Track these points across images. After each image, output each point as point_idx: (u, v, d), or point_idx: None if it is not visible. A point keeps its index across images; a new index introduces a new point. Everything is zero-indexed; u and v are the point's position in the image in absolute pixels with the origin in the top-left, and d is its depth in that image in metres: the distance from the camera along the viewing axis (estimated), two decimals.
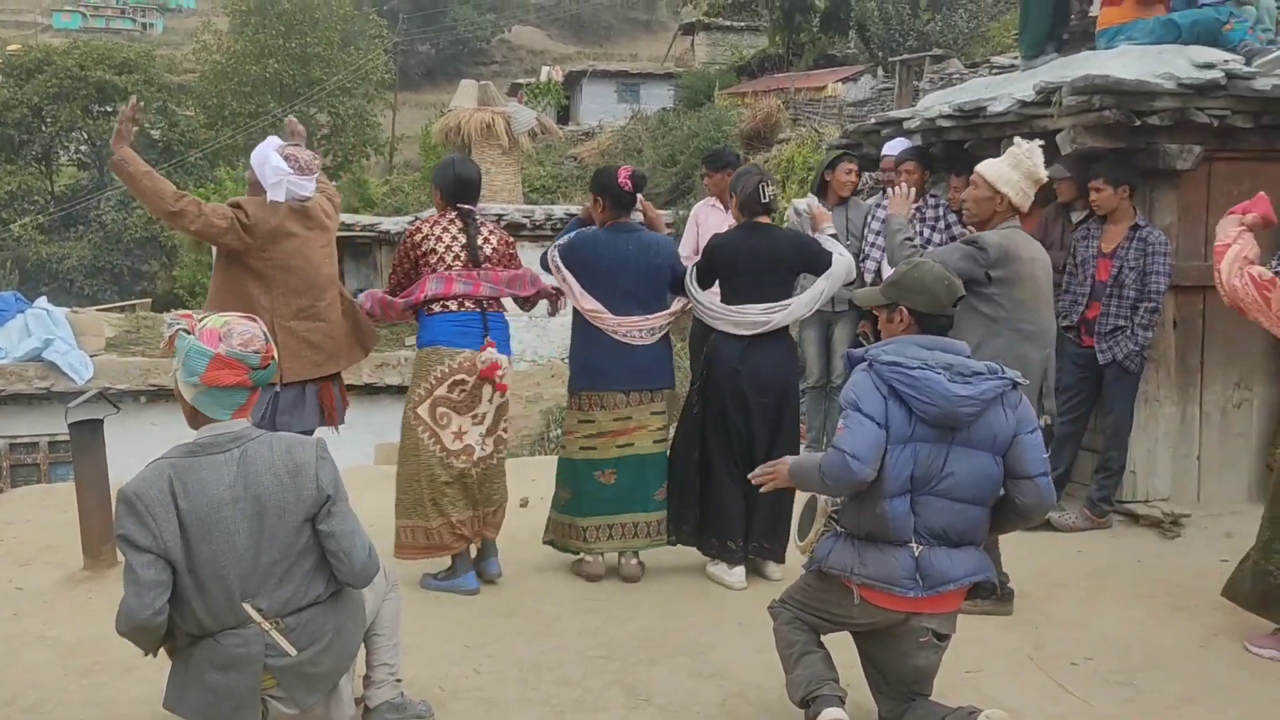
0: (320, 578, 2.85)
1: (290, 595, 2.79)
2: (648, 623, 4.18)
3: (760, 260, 4.64)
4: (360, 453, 12.24)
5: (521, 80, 36.32)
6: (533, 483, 6.11)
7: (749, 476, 3.42)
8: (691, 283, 4.75)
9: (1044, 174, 4.31)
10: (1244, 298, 3.82)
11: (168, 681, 2.85)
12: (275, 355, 2.87)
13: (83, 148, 34.85)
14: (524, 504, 5.76)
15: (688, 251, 6.91)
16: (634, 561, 4.71)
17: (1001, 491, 3.11)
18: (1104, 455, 5.32)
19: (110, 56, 33.83)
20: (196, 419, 2.80)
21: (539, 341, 15.06)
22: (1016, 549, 4.64)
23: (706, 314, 4.76)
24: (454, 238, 4.46)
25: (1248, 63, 5.23)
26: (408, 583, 4.38)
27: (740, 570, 4.64)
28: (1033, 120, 5.53)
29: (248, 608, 2.73)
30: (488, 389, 4.43)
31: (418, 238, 4.47)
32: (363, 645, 3.15)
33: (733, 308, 4.66)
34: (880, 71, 19.45)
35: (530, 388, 15.03)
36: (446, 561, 4.54)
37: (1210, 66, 5.15)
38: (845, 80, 22.04)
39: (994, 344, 4.13)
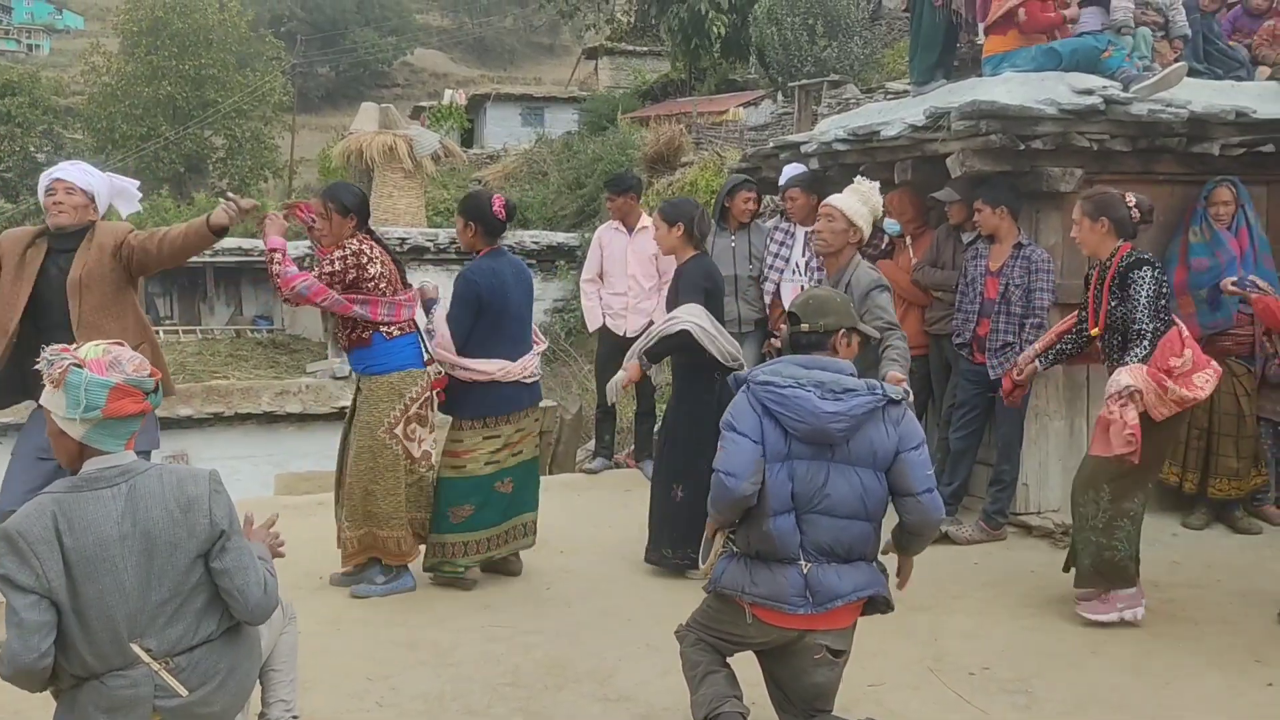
0: (213, 615, 2.75)
1: (181, 634, 2.68)
2: (553, 649, 4.15)
3: (722, 285, 5.10)
4: (259, 484, 11.94)
5: (424, 103, 36.07)
6: None
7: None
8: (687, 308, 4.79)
9: (881, 211, 4.71)
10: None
11: None
12: (159, 375, 2.79)
13: None
14: None
15: (591, 274, 6.94)
16: (514, 557, 4.99)
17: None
18: (996, 469, 5.47)
19: None
20: (83, 455, 2.67)
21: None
22: (916, 562, 4.73)
23: (702, 336, 4.73)
24: (383, 261, 4.56)
25: (1125, 89, 5.46)
26: (306, 614, 4.27)
27: None
28: (924, 144, 5.69)
29: (136, 648, 2.61)
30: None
31: (363, 260, 4.48)
32: (258, 682, 3.06)
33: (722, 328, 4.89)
34: (780, 96, 19.77)
35: None
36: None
37: (1089, 92, 5.36)
38: (746, 105, 22.36)
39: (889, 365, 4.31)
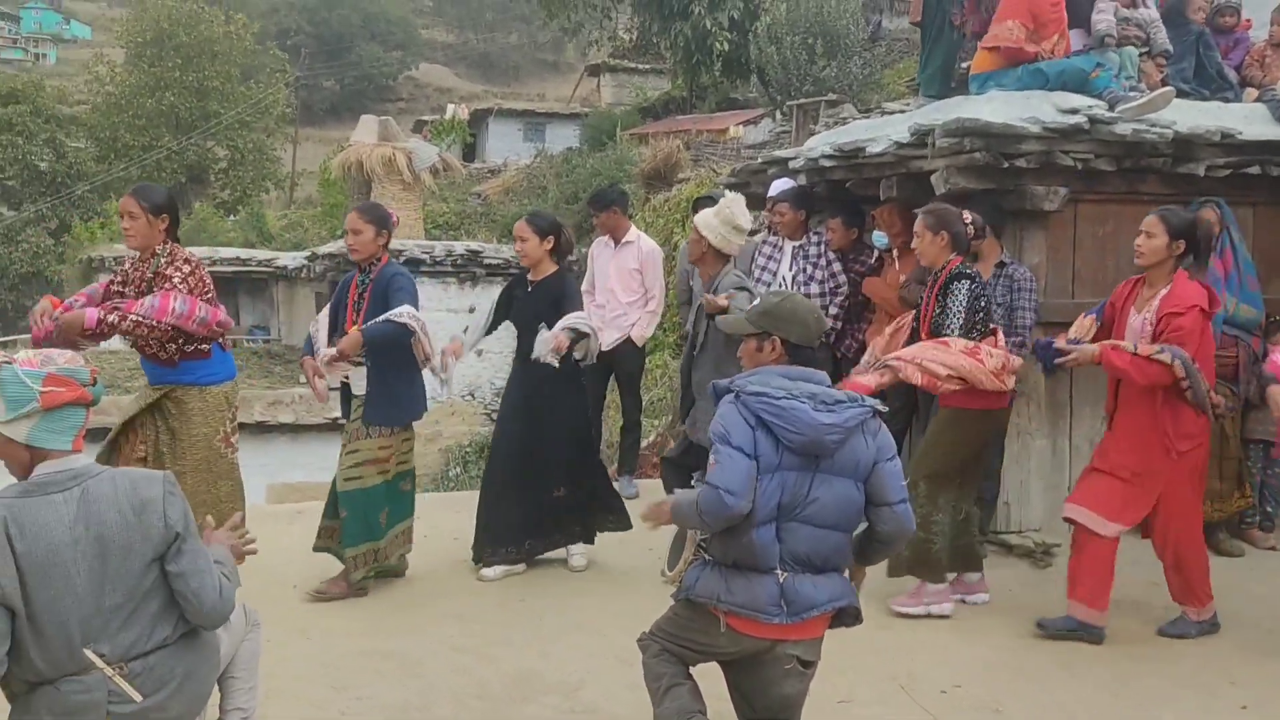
0: (168, 619, 2.72)
1: (135, 639, 2.65)
2: (521, 661, 4.11)
3: None
4: (252, 493, 11.89)
5: (427, 117, 36.21)
6: (417, 519, 6.00)
7: (642, 516, 3.40)
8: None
9: (743, 222, 4.97)
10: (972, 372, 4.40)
11: None
12: (98, 373, 2.77)
13: None
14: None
15: (585, 287, 6.94)
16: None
17: (864, 522, 3.15)
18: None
19: None
20: (33, 460, 2.63)
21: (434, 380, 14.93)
22: (894, 581, 4.70)
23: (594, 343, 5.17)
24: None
25: (1111, 109, 5.45)
26: (273, 622, 4.24)
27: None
28: (909, 161, 5.68)
29: (89, 654, 2.59)
30: None
31: (203, 270, 4.49)
32: (217, 688, 3.03)
33: None
34: (778, 115, 19.86)
35: (429, 426, 14.83)
36: None
37: (1074, 111, 5.35)
38: (745, 123, 22.46)
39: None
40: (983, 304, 4.58)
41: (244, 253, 19.96)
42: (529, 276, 5.21)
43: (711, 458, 3.08)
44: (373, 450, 4.76)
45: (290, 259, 19.04)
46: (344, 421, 4.93)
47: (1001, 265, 5.26)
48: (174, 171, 33.96)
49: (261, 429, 14.55)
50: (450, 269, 14.91)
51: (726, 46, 23.18)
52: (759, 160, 7.23)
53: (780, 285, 6.34)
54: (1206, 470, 4.48)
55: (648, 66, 31.16)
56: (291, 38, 55.40)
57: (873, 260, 6.21)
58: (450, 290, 14.93)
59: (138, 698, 2.62)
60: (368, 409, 4.76)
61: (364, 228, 4.77)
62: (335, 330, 4.88)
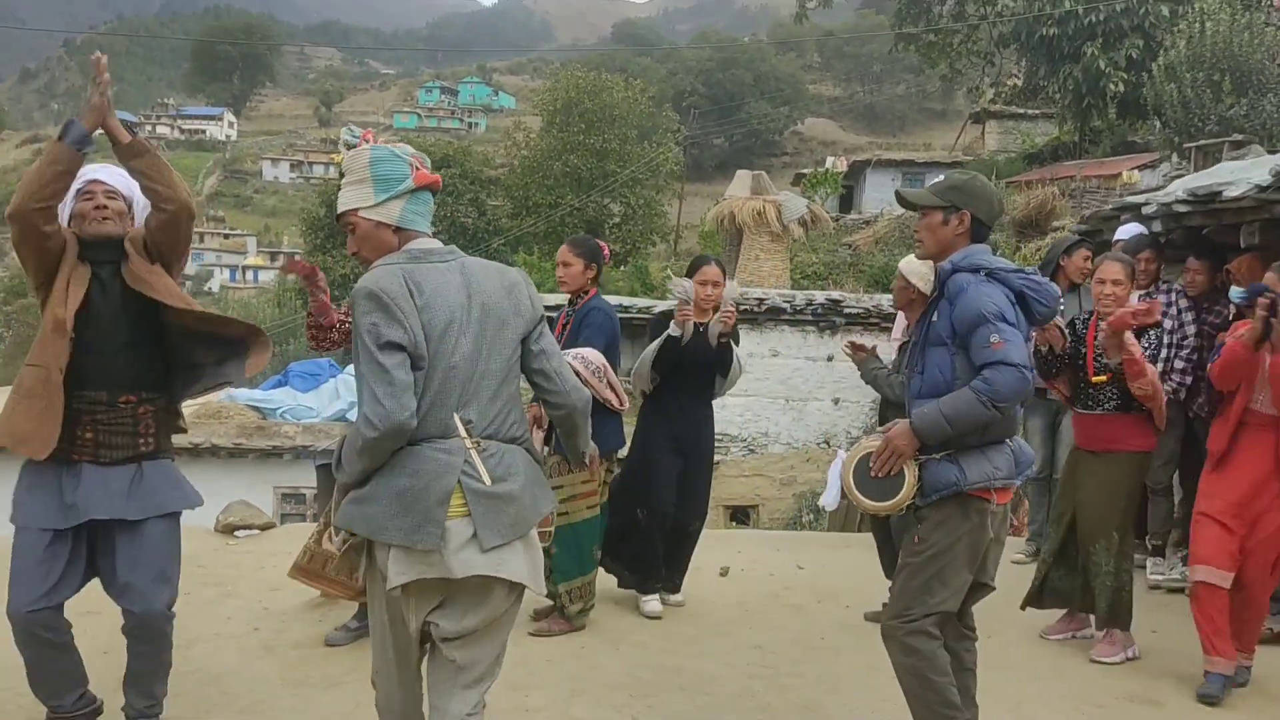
0: (518, 415, 2.78)
1: (495, 415, 2.71)
2: (810, 693, 4.23)
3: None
4: None
5: (807, 170, 36.96)
6: (739, 554, 6.29)
7: (874, 460, 3.19)
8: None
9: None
10: None
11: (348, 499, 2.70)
12: None
13: None
14: (724, 573, 5.93)
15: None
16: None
17: None
18: None
19: (430, 152, 37.51)
20: (401, 244, 2.73)
21: (795, 425, 15.16)
22: None
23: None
24: None
25: None
26: (588, 632, 4.63)
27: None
28: (1272, 205, 5.23)
29: (457, 419, 2.65)
30: None
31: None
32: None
33: None
34: (1175, 158, 18.34)
35: (784, 471, 15.12)
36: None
37: None
38: (1142, 168, 20.93)
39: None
40: None
41: (626, 300, 21.43)
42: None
43: (994, 338, 3.01)
44: (576, 484, 4.74)
45: (666, 306, 20.29)
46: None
47: None
48: (574, 227, 37.04)
49: None
50: (810, 318, 15.15)
51: (1121, 87, 21.79)
52: (1109, 207, 6.88)
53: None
54: None
55: (1036, 111, 29.89)
56: (687, 99, 58.67)
57: (1229, 315, 5.72)
58: (809, 338, 15.19)
59: (487, 480, 2.64)
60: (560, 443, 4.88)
61: (574, 260, 4.91)
62: None
